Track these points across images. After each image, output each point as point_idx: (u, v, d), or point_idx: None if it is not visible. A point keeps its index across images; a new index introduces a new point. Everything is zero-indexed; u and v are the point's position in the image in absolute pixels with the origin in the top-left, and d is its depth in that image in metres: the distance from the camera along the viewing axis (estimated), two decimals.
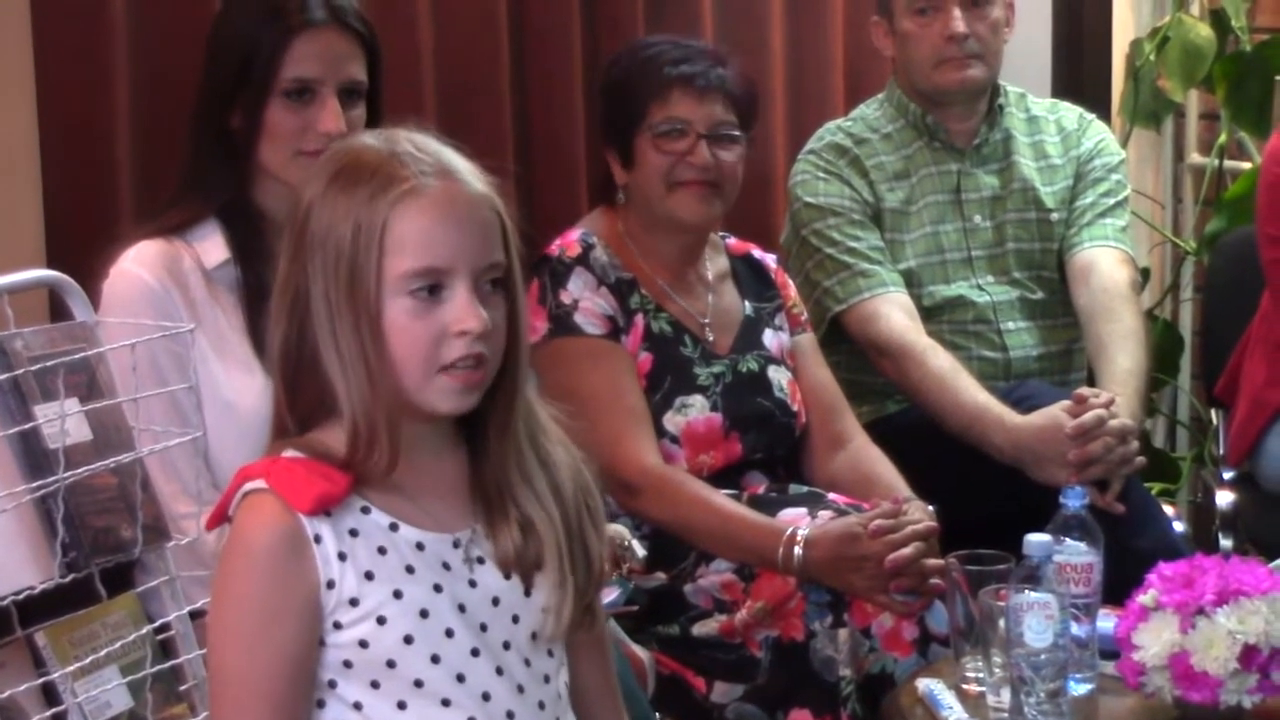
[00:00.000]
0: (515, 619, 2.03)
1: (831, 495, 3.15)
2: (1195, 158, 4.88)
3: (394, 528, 1.98)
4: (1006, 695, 2.53)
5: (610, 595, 2.83)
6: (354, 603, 1.95)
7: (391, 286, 1.94)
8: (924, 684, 2.69)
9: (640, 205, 3.25)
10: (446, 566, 2.00)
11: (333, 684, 1.97)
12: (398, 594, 1.97)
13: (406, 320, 1.95)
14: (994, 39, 3.72)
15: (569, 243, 3.22)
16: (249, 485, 1.97)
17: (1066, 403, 3.34)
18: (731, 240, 3.43)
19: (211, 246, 2.78)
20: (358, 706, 1.97)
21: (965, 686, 2.69)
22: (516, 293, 2.03)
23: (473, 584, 2.01)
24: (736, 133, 3.23)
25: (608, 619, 2.73)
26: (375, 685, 1.97)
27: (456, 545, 2.02)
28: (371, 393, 1.94)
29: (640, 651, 2.95)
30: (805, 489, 3.20)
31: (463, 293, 1.95)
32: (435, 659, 1.97)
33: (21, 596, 2.14)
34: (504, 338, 2.00)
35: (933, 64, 3.71)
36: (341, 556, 1.95)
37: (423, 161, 1.98)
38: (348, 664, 1.97)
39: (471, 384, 1.97)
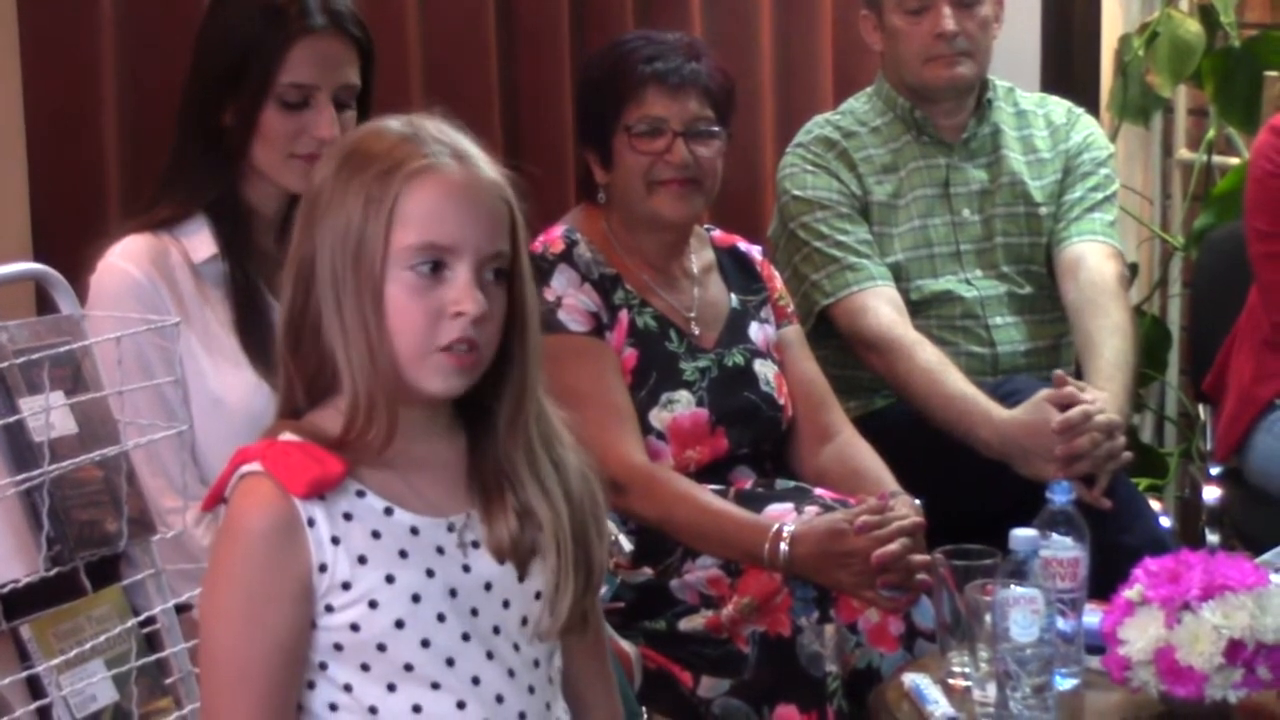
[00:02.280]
0: (506, 604, 2.04)
1: (818, 490, 3.15)
2: (1184, 153, 4.88)
3: (389, 511, 1.99)
4: (992, 690, 2.53)
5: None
6: (346, 586, 1.96)
7: (395, 259, 1.95)
8: (910, 679, 2.69)
9: (622, 204, 3.24)
10: (440, 551, 2.01)
11: (323, 665, 1.98)
12: (390, 578, 1.97)
13: (406, 295, 1.96)
14: (983, 36, 3.72)
15: (552, 239, 3.22)
16: (245, 468, 1.98)
17: (1050, 391, 3.34)
18: (717, 233, 3.43)
19: (199, 242, 2.78)
20: (348, 688, 1.98)
21: (951, 681, 2.69)
22: (525, 285, 2.05)
23: (466, 569, 2.02)
24: (714, 128, 3.22)
25: None
26: (365, 668, 1.98)
27: (451, 529, 2.02)
28: (371, 363, 1.95)
29: (627, 646, 2.95)
30: (792, 484, 3.20)
31: (464, 274, 1.97)
32: (425, 643, 1.98)
33: (6, 589, 2.15)
34: (499, 329, 2.01)
35: (921, 61, 3.71)
36: (334, 540, 1.96)
37: (440, 143, 2.00)
38: (338, 646, 1.97)
39: (464, 366, 1.98)
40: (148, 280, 2.71)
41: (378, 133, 2.03)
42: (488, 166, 2.02)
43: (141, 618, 2.30)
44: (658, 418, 3.16)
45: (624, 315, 3.19)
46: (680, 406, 3.17)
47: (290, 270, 2.00)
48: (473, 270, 1.97)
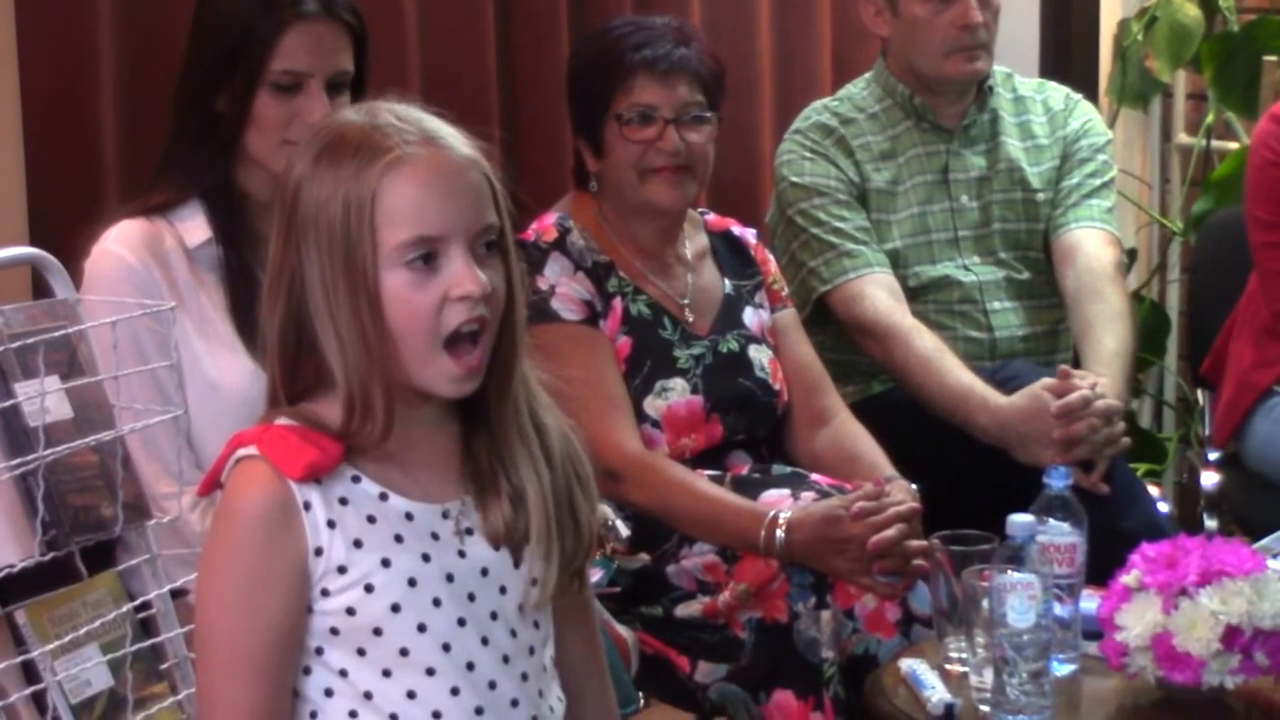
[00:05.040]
0: (503, 590, 2.04)
1: (814, 476, 3.15)
2: (1183, 138, 4.88)
3: (384, 497, 1.99)
4: (989, 676, 2.53)
5: (594, 576, 2.83)
6: (342, 570, 1.96)
7: (387, 259, 1.94)
8: (907, 665, 2.70)
9: (614, 192, 3.23)
10: (435, 537, 2.01)
11: (319, 651, 1.98)
12: (386, 562, 1.97)
13: (406, 291, 1.95)
14: (996, 28, 3.71)
15: (545, 227, 3.21)
16: (241, 451, 1.98)
17: (1050, 380, 3.33)
18: (711, 217, 3.42)
19: (194, 227, 2.78)
20: (343, 674, 1.98)
21: (948, 667, 2.69)
22: (510, 255, 2.04)
23: (462, 554, 2.02)
24: (705, 113, 3.21)
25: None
26: (361, 653, 1.98)
27: (446, 516, 2.02)
28: (368, 365, 1.95)
29: (624, 631, 2.95)
30: (788, 469, 3.20)
31: (459, 258, 1.96)
32: (422, 628, 1.98)
33: (1, 574, 2.14)
34: (503, 300, 2.01)
35: (943, 53, 3.68)
36: (330, 524, 1.96)
37: (406, 131, 1.98)
38: (334, 631, 1.98)
39: (471, 370, 1.98)
40: (142, 265, 2.72)
41: (341, 129, 2.00)
42: (457, 143, 2.00)
43: (137, 603, 2.29)
44: (652, 405, 3.15)
45: (618, 303, 3.18)
46: (675, 394, 3.16)
47: (276, 285, 1.99)
48: (466, 251, 1.96)
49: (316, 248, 1.95)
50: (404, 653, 1.98)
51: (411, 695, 1.98)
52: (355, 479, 1.99)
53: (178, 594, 2.37)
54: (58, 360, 2.25)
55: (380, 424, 1.96)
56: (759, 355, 3.26)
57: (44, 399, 2.18)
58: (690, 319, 3.24)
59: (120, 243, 2.73)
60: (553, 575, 2.06)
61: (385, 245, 1.94)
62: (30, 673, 2.17)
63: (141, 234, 2.75)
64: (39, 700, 2.16)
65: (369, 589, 1.97)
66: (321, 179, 1.96)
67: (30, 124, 3.27)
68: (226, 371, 2.73)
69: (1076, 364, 3.55)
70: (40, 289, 2.57)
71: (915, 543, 2.93)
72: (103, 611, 2.25)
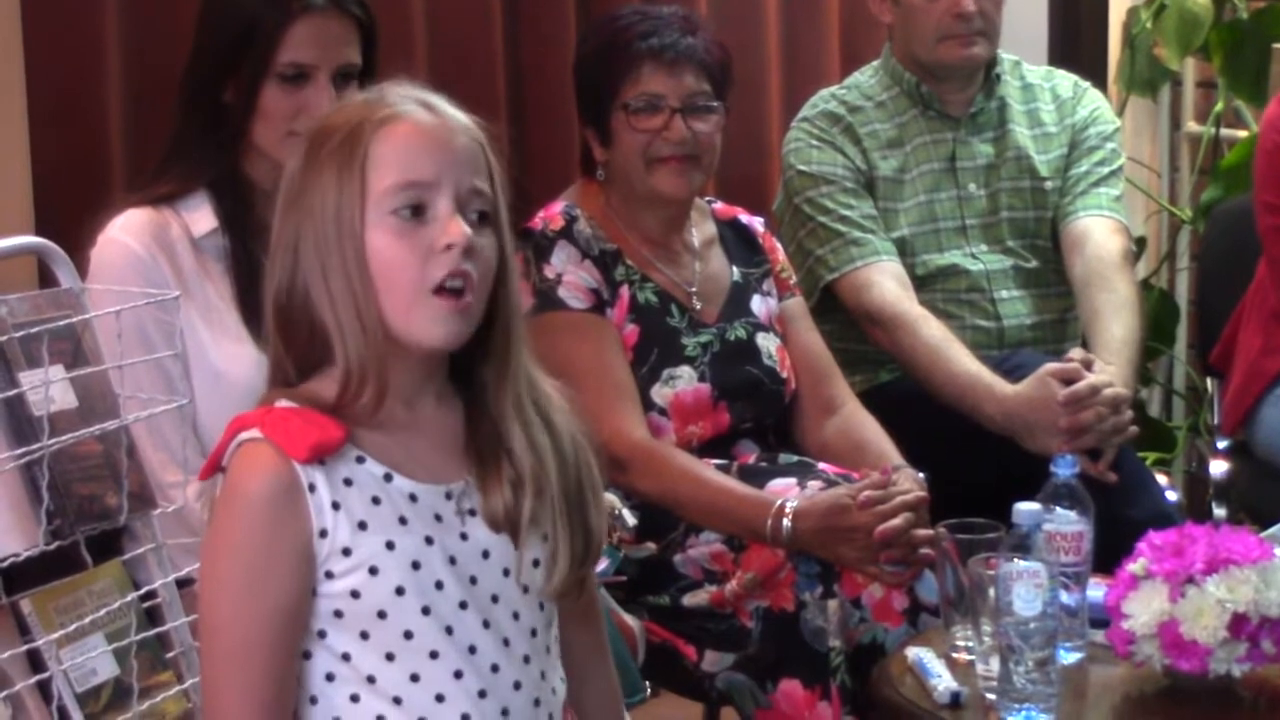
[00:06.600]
0: (506, 572, 2.04)
1: (821, 465, 3.14)
2: (1192, 126, 4.88)
3: (388, 478, 1.99)
4: (996, 664, 2.52)
5: (600, 565, 2.83)
6: (346, 552, 1.96)
7: (374, 206, 1.95)
8: (914, 653, 2.69)
9: (621, 181, 3.23)
10: (438, 518, 2.01)
11: (322, 634, 1.98)
12: (390, 544, 1.97)
13: (390, 240, 1.95)
14: (997, 15, 3.70)
15: (552, 215, 3.21)
16: (244, 434, 1.97)
17: (1054, 365, 3.33)
18: (718, 205, 3.42)
19: (200, 216, 2.79)
20: (346, 658, 1.98)
21: (955, 655, 2.69)
22: (504, 232, 2.04)
23: (464, 536, 2.02)
24: (712, 102, 3.20)
25: (598, 587, 2.74)
26: (365, 636, 1.97)
27: (449, 497, 2.02)
28: (360, 325, 1.95)
29: (631, 620, 2.95)
30: (795, 459, 3.20)
31: (445, 209, 1.96)
32: (425, 610, 1.98)
33: (6, 563, 2.14)
34: (493, 270, 2.00)
35: (937, 39, 3.68)
36: (335, 505, 1.95)
37: (405, 96, 2.01)
38: (338, 614, 1.97)
39: (460, 309, 1.97)
40: (148, 254, 2.72)
41: (341, 107, 2.05)
42: (457, 111, 2.02)
43: (142, 591, 2.29)
44: (660, 394, 3.15)
45: (625, 291, 3.18)
46: (682, 382, 3.16)
47: (274, 255, 2.00)
48: (454, 205, 1.96)
49: (310, 211, 1.96)
50: (408, 635, 1.98)
51: (415, 678, 1.98)
52: (359, 459, 1.98)
53: (183, 583, 2.37)
54: (62, 349, 2.25)
55: (375, 387, 1.96)
56: (767, 343, 3.26)
57: (48, 388, 2.18)
58: (698, 307, 3.24)
59: (127, 231, 2.74)
60: (560, 569, 2.06)
61: (373, 192, 1.95)
62: (35, 662, 2.17)
63: (148, 223, 2.75)
64: (44, 689, 2.16)
65: (373, 571, 1.96)
66: (318, 150, 1.98)
67: (36, 113, 3.27)
68: (232, 360, 2.73)
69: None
70: (46, 278, 2.57)
71: (922, 531, 2.92)
72: (108, 600, 2.25)
